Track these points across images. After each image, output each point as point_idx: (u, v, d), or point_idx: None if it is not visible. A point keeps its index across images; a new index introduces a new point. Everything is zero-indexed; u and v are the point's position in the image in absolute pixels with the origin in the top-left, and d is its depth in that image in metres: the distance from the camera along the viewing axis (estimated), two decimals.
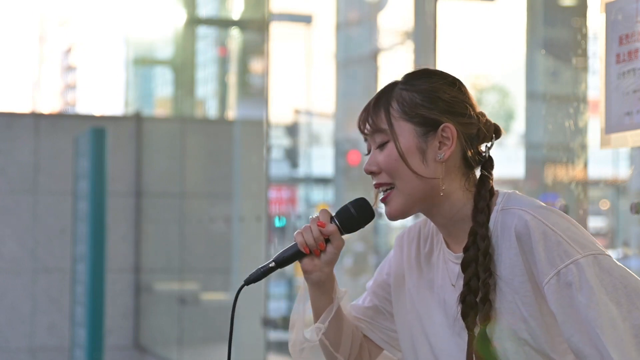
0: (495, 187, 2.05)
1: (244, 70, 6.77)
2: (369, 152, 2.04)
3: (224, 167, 6.77)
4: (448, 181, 1.99)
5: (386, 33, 9.23)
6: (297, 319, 2.19)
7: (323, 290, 2.10)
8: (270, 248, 5.44)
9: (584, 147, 3.67)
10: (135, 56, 10.00)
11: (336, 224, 2.04)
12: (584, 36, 3.64)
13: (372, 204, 2.06)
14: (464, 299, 1.95)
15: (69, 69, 61.43)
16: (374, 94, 2.10)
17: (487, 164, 2.04)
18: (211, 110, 8.67)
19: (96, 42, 57.09)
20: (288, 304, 12.16)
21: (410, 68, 4.23)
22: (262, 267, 2.06)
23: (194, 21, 8.15)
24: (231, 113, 7.50)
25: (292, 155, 16.31)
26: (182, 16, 8.03)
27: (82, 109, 58.89)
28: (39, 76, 66.01)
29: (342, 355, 2.17)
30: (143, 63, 9.94)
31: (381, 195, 2.02)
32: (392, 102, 2.00)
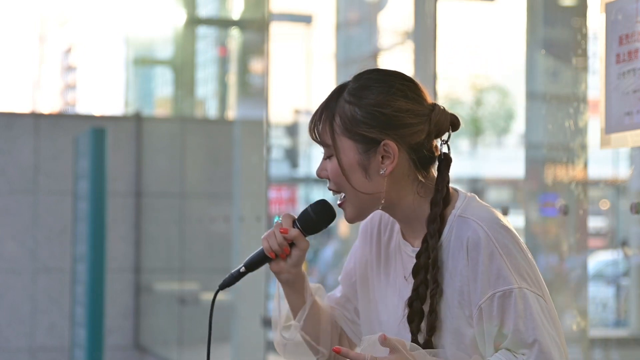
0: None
1: (244, 70, 6.77)
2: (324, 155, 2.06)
3: (224, 167, 6.77)
4: (396, 191, 2.00)
5: (386, 33, 9.23)
6: (276, 319, 2.27)
7: (295, 289, 2.17)
8: None
9: (584, 147, 3.67)
10: (135, 56, 10.00)
11: (298, 227, 2.10)
12: (584, 36, 3.64)
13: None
14: (411, 303, 1.99)
15: (69, 69, 61.42)
16: None
17: (442, 163, 2.03)
18: (211, 110, 8.67)
19: (96, 42, 57.08)
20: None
21: (410, 68, 4.23)
22: (233, 272, 2.16)
23: (194, 21, 8.15)
24: (231, 113, 7.49)
25: (292, 155, 16.33)
26: (182, 16, 8.02)
27: (82, 109, 58.89)
28: (39, 76, 66.01)
29: (324, 347, 2.21)
30: (143, 63, 9.93)
31: (338, 201, 2.06)
32: (335, 116, 2.01)
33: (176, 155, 7.50)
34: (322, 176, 2.05)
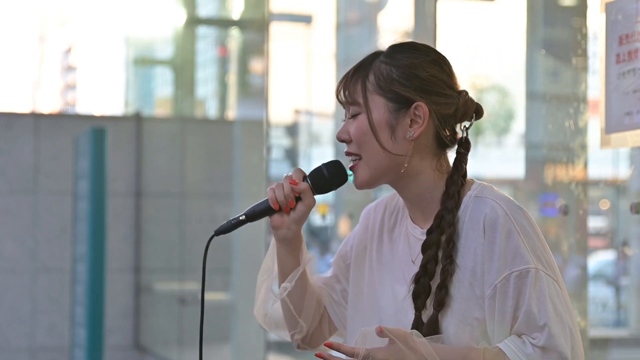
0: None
1: (244, 70, 6.77)
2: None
3: (224, 167, 6.77)
4: (417, 160, 1.99)
5: (386, 33, 9.23)
6: (264, 280, 2.21)
7: (290, 249, 2.11)
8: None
9: (584, 147, 3.67)
10: (135, 56, 10.00)
11: (308, 183, 2.05)
12: (584, 36, 3.64)
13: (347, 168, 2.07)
14: (418, 279, 1.96)
15: (69, 69, 61.42)
16: None
17: (463, 145, 2.03)
18: (211, 110, 8.67)
19: (96, 42, 57.08)
20: None
21: None
22: (232, 219, 2.09)
23: (194, 21, 8.14)
24: (231, 113, 7.49)
25: (292, 155, 16.34)
26: (182, 16, 8.02)
27: (82, 109, 58.90)
28: (39, 76, 66.00)
29: (304, 320, 2.17)
30: (143, 63, 9.93)
31: (350, 164, 2.03)
32: (369, 74, 2.00)
33: (176, 155, 7.50)
34: (342, 139, 2.03)
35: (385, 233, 2.11)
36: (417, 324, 1.95)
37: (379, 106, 1.98)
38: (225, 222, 2.10)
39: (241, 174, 6.04)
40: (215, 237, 2.12)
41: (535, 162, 4.19)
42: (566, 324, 1.88)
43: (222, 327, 6.40)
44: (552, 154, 4.02)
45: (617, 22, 2.61)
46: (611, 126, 2.66)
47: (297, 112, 15.22)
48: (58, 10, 64.76)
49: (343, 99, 2.03)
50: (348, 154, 2.03)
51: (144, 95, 9.66)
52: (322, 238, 12.50)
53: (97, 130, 5.74)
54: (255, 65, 6.56)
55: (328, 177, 2.06)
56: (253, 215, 2.08)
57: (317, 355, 1.92)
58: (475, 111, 2.03)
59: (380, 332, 1.87)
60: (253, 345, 5.67)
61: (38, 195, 7.48)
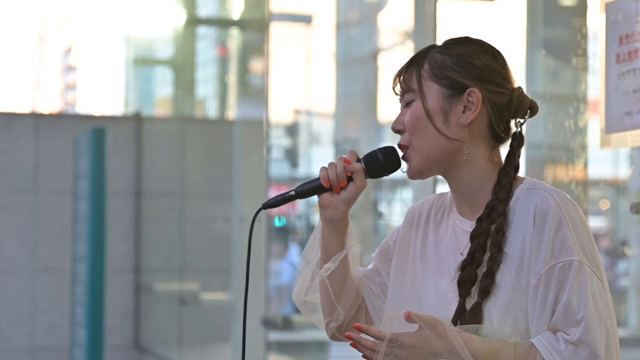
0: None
1: (244, 70, 6.77)
2: None
3: (224, 167, 6.77)
4: (470, 147, 1.98)
5: (386, 33, 9.23)
6: (306, 264, 2.18)
7: (336, 230, 2.10)
8: (270, 248, 5.44)
9: (584, 147, 3.67)
10: (135, 56, 10.01)
11: (362, 165, 2.04)
12: (584, 36, 3.64)
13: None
14: (464, 267, 1.95)
15: (69, 69, 61.40)
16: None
17: (517, 140, 2.03)
18: (211, 110, 8.67)
19: (96, 42, 57.07)
20: (288, 304, 12.15)
21: None
22: (282, 194, 2.06)
23: (194, 21, 8.15)
24: (231, 113, 7.50)
25: (292, 155, 16.32)
26: (182, 16, 8.02)
27: (82, 109, 58.87)
28: (39, 76, 65.99)
29: (342, 307, 2.15)
30: (143, 63, 9.93)
31: (401, 154, 2.03)
32: (424, 63, 2.01)
33: (176, 155, 7.50)
34: (396, 129, 2.03)
35: (430, 230, 2.09)
36: (460, 312, 1.93)
37: (433, 92, 1.99)
38: (274, 196, 2.06)
39: (241, 174, 6.05)
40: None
41: (535, 162, 4.19)
42: (604, 322, 1.86)
43: (222, 327, 6.41)
44: (552, 154, 4.02)
45: (617, 22, 2.61)
46: (611, 126, 2.66)
47: (297, 112, 15.20)
48: (58, 10, 64.75)
49: (398, 87, 2.05)
50: (400, 145, 2.03)
51: (144, 95, 9.66)
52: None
53: (97, 130, 5.74)
54: (255, 65, 6.56)
55: (382, 162, 2.05)
56: (303, 193, 2.06)
57: (346, 336, 1.91)
58: (529, 107, 2.03)
59: (408, 318, 1.86)
60: (253, 345, 5.67)
61: (38, 195, 7.48)
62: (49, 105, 63.03)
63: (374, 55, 8.77)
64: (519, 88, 2.02)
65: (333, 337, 2.21)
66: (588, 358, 1.84)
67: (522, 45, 4.33)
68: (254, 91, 6.50)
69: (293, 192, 2.05)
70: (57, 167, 7.48)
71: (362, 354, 1.89)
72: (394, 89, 2.06)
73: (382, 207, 9.92)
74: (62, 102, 61.37)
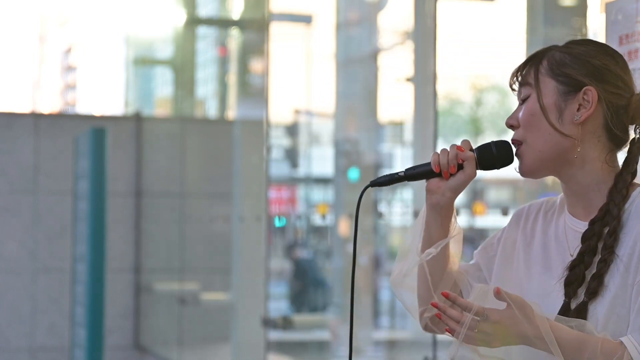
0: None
1: (244, 70, 6.78)
2: None
3: (224, 167, 6.77)
4: (586, 148, 1.97)
5: (386, 33, 9.24)
6: (406, 251, 2.15)
7: (441, 216, 2.07)
8: (270, 248, 5.44)
9: None
10: (135, 56, 10.01)
11: (474, 154, 2.04)
12: (584, 36, 3.65)
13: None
14: (573, 267, 1.94)
15: (69, 69, 61.39)
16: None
17: (636, 145, 2.00)
18: (211, 110, 8.67)
19: (96, 42, 57.07)
20: (288, 304, 12.15)
21: (410, 68, 4.23)
22: (391, 174, 2.05)
23: (194, 21, 8.15)
24: (231, 113, 7.50)
25: (292, 155, 16.33)
26: (182, 16, 8.03)
27: (82, 109, 58.86)
28: (39, 76, 65.99)
29: (438, 297, 2.07)
30: (143, 63, 9.94)
31: (514, 150, 2.02)
32: (543, 60, 2.01)
33: (176, 155, 7.50)
34: (510, 124, 2.03)
35: (538, 229, 2.08)
36: (565, 311, 1.92)
37: (549, 88, 1.98)
38: (383, 175, 2.05)
39: (241, 174, 6.05)
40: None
41: None
42: None
43: (222, 327, 6.41)
44: None
45: (617, 22, 2.61)
46: None
47: (297, 112, 15.22)
48: (58, 10, 64.76)
49: (515, 82, 2.05)
50: (514, 141, 2.02)
51: (144, 95, 9.67)
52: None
53: (97, 130, 5.74)
54: (255, 65, 6.56)
55: (495, 154, 2.04)
56: (412, 175, 2.05)
57: (432, 304, 1.89)
58: None
59: (498, 294, 1.83)
60: (253, 345, 5.67)
61: (38, 195, 7.48)
62: (49, 105, 63.01)
63: (374, 55, 8.77)
64: (638, 95, 2.00)
65: (426, 328, 2.17)
66: None
67: (522, 45, 4.33)
68: (254, 91, 6.50)
69: (402, 173, 2.04)
70: (57, 167, 7.48)
71: (446, 326, 1.87)
72: (511, 85, 2.06)
73: (382, 207, 9.92)
74: (62, 102, 61.38)
